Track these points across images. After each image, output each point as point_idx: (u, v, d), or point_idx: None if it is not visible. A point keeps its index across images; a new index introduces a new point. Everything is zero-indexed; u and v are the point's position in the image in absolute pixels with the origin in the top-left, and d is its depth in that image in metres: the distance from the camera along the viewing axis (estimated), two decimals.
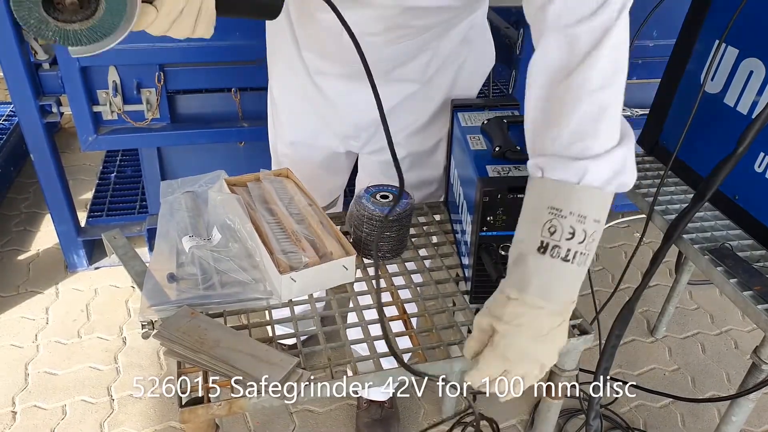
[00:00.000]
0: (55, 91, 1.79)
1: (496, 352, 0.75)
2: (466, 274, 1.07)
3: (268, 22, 1.24)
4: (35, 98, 1.75)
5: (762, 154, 1.20)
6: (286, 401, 0.86)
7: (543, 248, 0.73)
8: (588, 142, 0.72)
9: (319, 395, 0.90)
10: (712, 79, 1.32)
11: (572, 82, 0.71)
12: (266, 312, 1.01)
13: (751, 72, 1.22)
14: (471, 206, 0.98)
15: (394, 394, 1.64)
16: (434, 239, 1.20)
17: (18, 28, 1.64)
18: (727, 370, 1.89)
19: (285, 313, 1.00)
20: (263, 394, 0.86)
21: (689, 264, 1.84)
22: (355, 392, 1.61)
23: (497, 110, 1.16)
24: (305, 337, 1.00)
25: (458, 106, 1.17)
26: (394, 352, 0.90)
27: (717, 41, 1.26)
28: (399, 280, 1.10)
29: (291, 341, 1.52)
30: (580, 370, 1.52)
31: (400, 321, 1.03)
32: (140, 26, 0.67)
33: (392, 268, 1.12)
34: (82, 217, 2.14)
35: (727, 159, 1.08)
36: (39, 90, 1.77)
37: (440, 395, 1.67)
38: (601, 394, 1.36)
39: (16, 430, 1.60)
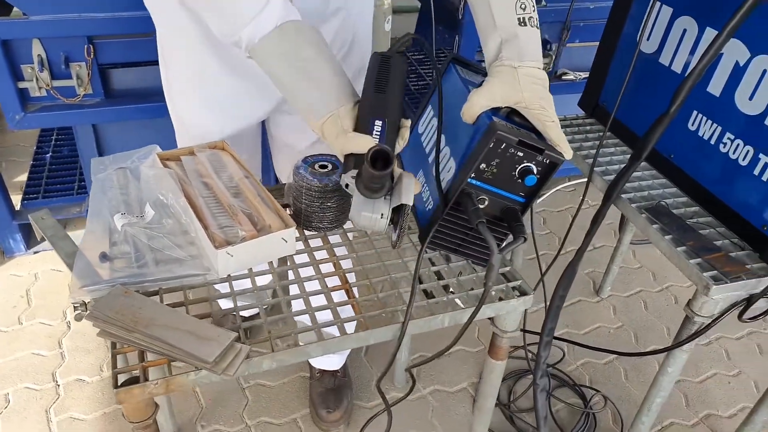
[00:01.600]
0: None
1: (541, 103, 0.89)
2: (422, 223, 1.04)
3: (160, 25, 1.18)
4: None
5: (695, 113, 1.23)
6: (225, 377, 0.85)
7: (522, 22, 0.90)
8: None
9: (260, 370, 0.89)
10: (648, 39, 1.33)
11: None
12: (206, 289, 0.98)
13: (685, 30, 1.23)
14: (462, 153, 0.94)
15: (347, 363, 1.65)
16: None
17: None
18: (667, 324, 1.96)
19: (240, 288, 0.98)
20: (202, 371, 0.85)
21: (631, 224, 1.89)
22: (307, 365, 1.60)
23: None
24: (255, 311, 0.99)
25: (457, 61, 1.13)
26: None
27: (654, 1, 1.26)
28: (342, 251, 1.09)
29: (248, 312, 1.50)
30: (528, 331, 1.56)
31: (343, 291, 1.03)
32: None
33: (335, 239, 1.11)
34: (17, 200, 2.05)
35: (661, 118, 1.10)
36: None
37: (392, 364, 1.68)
38: (547, 353, 1.40)
39: None
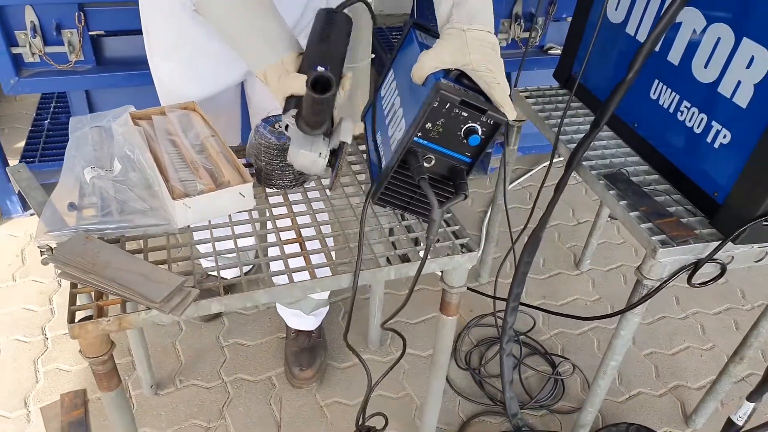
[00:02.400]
0: None
1: (498, 78, 0.90)
2: (374, 177, 1.07)
3: None
4: None
5: (656, 81, 1.25)
6: (173, 317, 0.89)
7: None
8: None
9: (209, 312, 0.94)
10: (616, 9, 1.35)
11: None
12: (166, 239, 1.03)
13: (648, 0, 1.25)
14: (411, 114, 0.96)
15: (323, 325, 1.70)
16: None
17: None
18: None
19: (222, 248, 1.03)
20: (152, 310, 0.90)
21: None
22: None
23: None
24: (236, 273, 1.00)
25: (417, 25, 1.16)
26: None
27: None
28: (300, 208, 1.13)
29: (229, 274, 1.54)
30: (498, 298, 1.60)
31: (296, 244, 1.07)
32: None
33: (295, 197, 1.15)
34: (15, 163, 2.12)
35: (619, 85, 1.12)
36: None
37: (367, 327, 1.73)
38: (513, 318, 1.43)
39: None
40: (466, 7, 0.92)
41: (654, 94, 1.26)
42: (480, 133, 0.92)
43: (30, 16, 1.70)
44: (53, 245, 0.97)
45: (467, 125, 0.92)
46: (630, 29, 1.32)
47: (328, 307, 1.69)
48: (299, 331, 1.66)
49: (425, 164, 0.96)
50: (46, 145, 2.21)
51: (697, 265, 1.13)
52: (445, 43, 0.93)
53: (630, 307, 1.19)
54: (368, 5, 0.94)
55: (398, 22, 3.35)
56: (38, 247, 0.98)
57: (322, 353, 1.65)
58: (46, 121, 2.32)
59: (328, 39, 0.92)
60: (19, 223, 2.09)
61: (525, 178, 2.48)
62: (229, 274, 1.47)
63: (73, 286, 0.94)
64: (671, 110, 1.22)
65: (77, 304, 0.92)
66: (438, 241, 1.06)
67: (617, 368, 1.31)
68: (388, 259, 1.04)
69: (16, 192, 1.19)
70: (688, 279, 1.15)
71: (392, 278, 1.02)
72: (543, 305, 1.92)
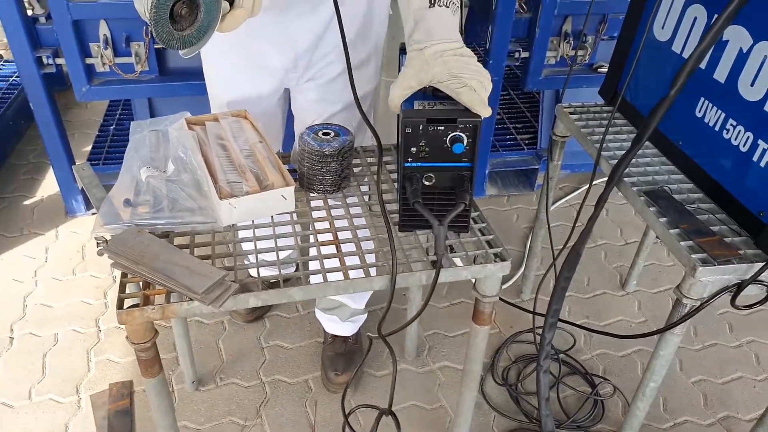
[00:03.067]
0: (51, 44, 1.89)
1: (467, 87, 0.92)
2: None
3: None
4: (32, 50, 1.85)
5: (702, 99, 1.23)
6: (213, 308, 0.94)
7: (432, 4, 0.94)
8: None
9: (246, 305, 0.98)
10: (662, 27, 1.34)
11: None
12: (212, 236, 1.09)
13: (695, 18, 1.24)
14: (399, 140, 1.03)
15: (360, 332, 1.73)
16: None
17: None
18: (695, 324, 1.92)
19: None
20: (194, 301, 0.95)
21: None
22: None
23: None
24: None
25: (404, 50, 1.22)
26: None
27: None
28: (339, 212, 1.17)
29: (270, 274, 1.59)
30: (538, 314, 1.59)
31: (333, 246, 1.11)
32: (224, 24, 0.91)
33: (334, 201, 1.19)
34: None
35: (662, 101, 1.12)
36: (36, 43, 1.87)
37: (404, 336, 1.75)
38: (552, 334, 1.42)
39: (12, 353, 1.74)
40: (424, 25, 0.95)
41: (699, 111, 1.24)
42: (464, 139, 0.96)
43: (103, 29, 1.82)
44: (108, 237, 1.05)
45: (449, 135, 0.97)
46: (676, 47, 1.31)
47: (365, 315, 1.72)
48: (336, 336, 1.69)
49: (426, 183, 1.01)
50: (110, 148, 2.35)
51: (740, 287, 1.10)
52: (408, 67, 0.96)
53: (669, 326, 1.17)
54: None
55: None
56: (95, 238, 1.05)
57: (358, 360, 1.67)
58: (111, 127, 2.47)
59: None
60: (82, 222, 2.22)
61: (572, 196, 2.46)
62: (269, 273, 1.52)
63: (123, 275, 1.01)
64: (717, 128, 1.20)
65: (126, 292, 0.98)
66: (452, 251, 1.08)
67: (656, 390, 1.28)
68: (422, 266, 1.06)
69: (80, 189, 1.28)
70: (731, 300, 1.13)
71: (423, 283, 1.04)
72: (585, 324, 1.89)
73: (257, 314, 1.85)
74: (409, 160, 0.99)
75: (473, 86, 0.92)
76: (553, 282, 1.55)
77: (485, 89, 0.94)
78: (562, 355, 1.76)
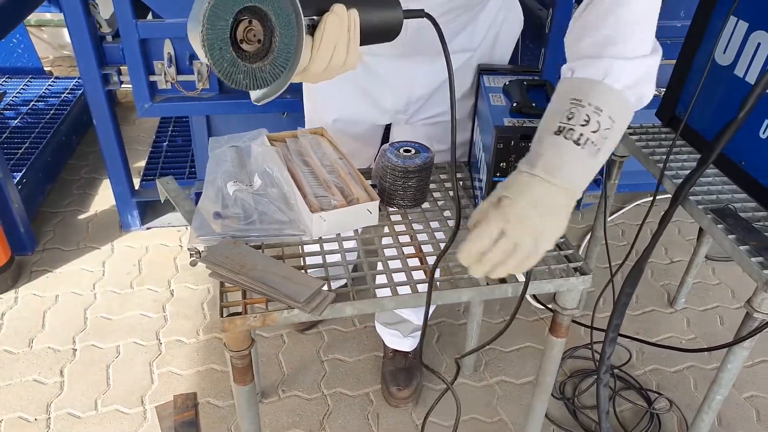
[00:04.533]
0: (116, 62, 1.97)
1: (497, 211, 0.79)
2: None
3: None
4: (99, 67, 1.93)
5: (766, 121, 1.27)
6: (313, 316, 0.98)
7: (559, 131, 0.80)
8: (619, 47, 0.81)
9: (343, 314, 1.02)
10: (724, 52, 1.39)
11: None
12: (299, 247, 1.14)
13: (759, 44, 1.28)
14: (488, 157, 1.08)
15: (419, 346, 1.76)
16: (453, 193, 1.31)
17: (86, 4, 1.82)
18: None
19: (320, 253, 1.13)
20: (294, 310, 0.99)
21: (707, 237, 1.90)
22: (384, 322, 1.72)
23: (519, 75, 1.26)
24: (343, 282, 1.09)
25: (484, 70, 1.28)
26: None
27: (728, 16, 1.33)
28: (418, 227, 1.22)
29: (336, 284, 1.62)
30: (596, 329, 1.62)
31: (417, 258, 1.15)
32: (304, 62, 0.70)
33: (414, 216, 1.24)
34: (136, 182, 2.33)
35: (730, 124, 1.17)
36: (102, 60, 1.95)
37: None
38: (612, 349, 1.45)
39: (76, 364, 1.78)
40: (537, 149, 0.82)
41: (764, 133, 1.28)
42: None
43: (168, 48, 1.89)
44: (201, 249, 1.09)
45: None
46: (739, 71, 1.35)
47: None
48: (396, 351, 1.72)
49: None
50: (165, 164, 2.42)
51: None
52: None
53: (740, 339, 1.20)
54: (432, 20, 0.81)
55: None
56: (188, 249, 1.10)
57: (418, 374, 1.71)
58: (164, 144, 2.54)
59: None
60: (137, 237, 2.28)
61: (618, 215, 2.49)
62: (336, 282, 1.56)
63: (221, 285, 1.05)
64: None
65: (223, 302, 1.03)
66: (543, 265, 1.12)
67: (721, 403, 1.31)
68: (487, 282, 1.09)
69: (162, 201, 1.33)
70: None
71: (495, 297, 1.08)
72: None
73: (310, 324, 1.89)
74: (498, 174, 1.04)
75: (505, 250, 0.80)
76: (605, 301, 1.58)
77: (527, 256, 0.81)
78: (616, 370, 1.79)
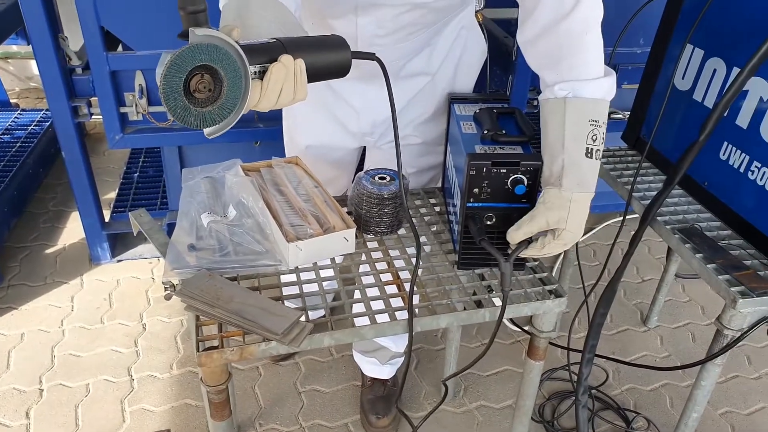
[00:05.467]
0: (86, 94, 1.95)
1: (558, 243, 1.00)
2: (456, 247, 1.19)
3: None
4: (68, 100, 1.91)
5: (726, 143, 1.32)
6: (291, 348, 0.98)
7: (589, 153, 0.97)
8: (597, 68, 0.98)
9: (321, 345, 1.02)
10: (683, 78, 1.44)
11: (572, 24, 0.95)
12: (277, 277, 1.13)
13: (715, 70, 1.34)
14: (461, 183, 1.10)
15: (397, 373, 1.75)
16: (428, 219, 1.32)
17: (55, 37, 1.81)
18: None
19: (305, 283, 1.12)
20: (272, 342, 0.98)
21: (676, 255, 1.94)
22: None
23: (489, 103, 1.28)
24: (321, 313, 1.09)
25: (455, 99, 1.30)
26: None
27: (685, 43, 1.38)
28: (395, 253, 1.22)
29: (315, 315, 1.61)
30: (573, 350, 1.63)
31: (395, 285, 1.15)
32: (252, 102, 0.80)
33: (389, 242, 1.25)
34: (107, 214, 2.30)
35: (692, 146, 1.21)
36: (72, 92, 1.93)
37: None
38: (589, 370, 1.47)
39: (42, 405, 1.73)
40: (578, 174, 0.98)
41: (723, 155, 1.33)
42: (525, 181, 1.03)
43: (139, 79, 1.89)
44: (176, 282, 1.08)
45: (511, 177, 1.03)
46: (697, 96, 1.40)
47: (403, 357, 1.75)
48: (375, 379, 1.71)
49: (488, 222, 1.07)
50: (136, 195, 2.39)
51: None
52: (544, 205, 1.00)
53: (711, 356, 1.22)
54: (381, 63, 0.90)
55: None
56: (163, 283, 1.08)
57: (397, 402, 1.69)
58: (135, 175, 2.51)
59: (301, 45, 0.84)
60: (107, 270, 2.24)
61: (589, 235, 2.54)
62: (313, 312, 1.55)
63: (197, 318, 1.04)
64: (742, 170, 1.28)
65: (199, 335, 1.01)
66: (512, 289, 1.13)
67: (698, 421, 1.33)
68: (464, 307, 1.10)
69: (135, 234, 1.31)
70: None
71: (473, 322, 1.09)
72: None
73: (286, 354, 1.87)
74: (471, 200, 1.05)
75: (565, 242, 1.01)
76: (580, 321, 1.60)
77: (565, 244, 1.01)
78: (594, 391, 1.80)
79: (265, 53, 0.79)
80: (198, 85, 0.74)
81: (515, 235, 1.02)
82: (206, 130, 0.79)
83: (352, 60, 0.88)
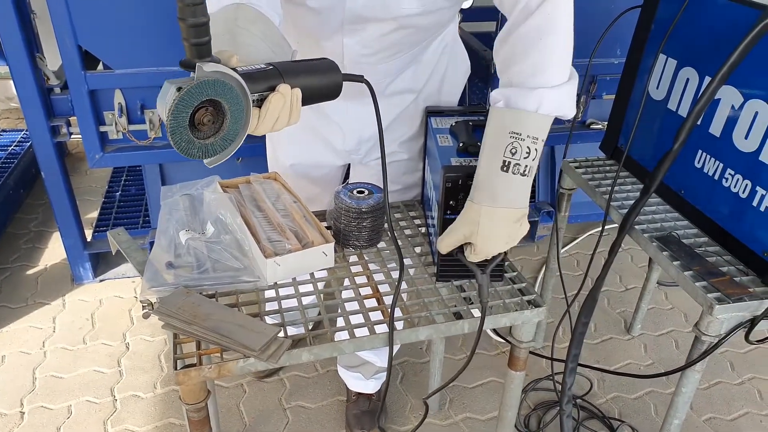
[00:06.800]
0: (65, 114, 1.94)
1: (472, 255, 1.00)
2: (435, 259, 1.19)
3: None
4: (47, 120, 1.90)
5: (700, 152, 1.34)
6: (270, 364, 0.97)
7: (506, 167, 0.92)
8: (546, 76, 0.91)
9: (299, 361, 1.01)
10: (657, 88, 1.46)
11: (531, 25, 0.90)
12: (256, 294, 1.13)
13: (688, 79, 1.36)
14: (438, 195, 1.10)
15: (381, 387, 1.74)
16: (408, 232, 1.32)
17: (32, 57, 1.81)
18: None
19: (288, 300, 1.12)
20: (250, 359, 0.97)
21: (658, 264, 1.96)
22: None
23: (466, 116, 1.30)
24: (302, 330, 1.09)
25: (432, 112, 1.31)
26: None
27: (658, 53, 1.41)
28: (374, 267, 1.22)
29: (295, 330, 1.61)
30: (557, 360, 1.64)
31: (374, 299, 1.15)
32: (250, 129, 0.81)
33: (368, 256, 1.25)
34: (89, 233, 2.28)
35: (666, 155, 1.23)
36: (51, 112, 1.92)
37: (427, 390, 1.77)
38: (572, 379, 1.47)
39: (24, 428, 1.70)
40: (490, 188, 0.96)
41: (698, 163, 1.35)
42: None
43: (118, 98, 1.88)
44: (154, 300, 1.07)
45: None
46: (671, 105, 1.42)
47: None
48: (360, 393, 1.71)
49: None
50: (118, 214, 2.38)
51: (753, 322, 1.18)
52: (460, 218, 1.01)
53: (691, 363, 1.23)
54: (369, 86, 0.91)
55: None
56: (141, 302, 1.08)
57: (382, 417, 1.68)
58: (117, 194, 2.50)
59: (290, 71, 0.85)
60: (90, 289, 2.21)
61: (571, 245, 2.55)
62: (296, 331, 1.55)
63: (174, 336, 1.03)
64: (716, 177, 1.30)
65: (177, 353, 1.00)
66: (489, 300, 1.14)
67: (680, 427, 1.33)
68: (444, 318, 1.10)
69: (114, 253, 1.31)
70: (745, 336, 1.20)
71: (452, 334, 1.09)
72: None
73: (270, 371, 1.85)
74: (448, 212, 1.06)
75: (481, 254, 1.01)
76: (564, 331, 1.61)
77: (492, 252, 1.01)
78: (579, 400, 1.80)
79: (263, 81, 0.81)
80: (203, 118, 0.76)
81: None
82: (206, 160, 0.81)
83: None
